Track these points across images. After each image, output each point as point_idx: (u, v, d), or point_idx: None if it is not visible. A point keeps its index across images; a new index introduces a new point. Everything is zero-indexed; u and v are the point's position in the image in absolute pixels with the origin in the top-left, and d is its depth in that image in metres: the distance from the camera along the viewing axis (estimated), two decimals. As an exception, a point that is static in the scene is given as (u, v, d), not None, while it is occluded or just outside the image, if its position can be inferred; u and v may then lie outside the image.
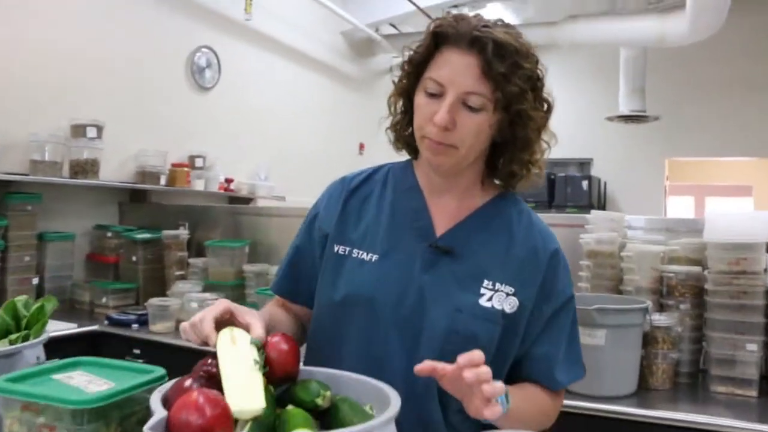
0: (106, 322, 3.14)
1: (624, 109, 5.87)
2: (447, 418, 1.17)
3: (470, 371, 0.94)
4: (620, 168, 7.31)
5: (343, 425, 0.95)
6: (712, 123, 6.89)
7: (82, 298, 3.46)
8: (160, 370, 1.08)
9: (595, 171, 7.33)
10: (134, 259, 3.54)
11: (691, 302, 2.39)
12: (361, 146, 6.38)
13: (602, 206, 6.98)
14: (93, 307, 3.40)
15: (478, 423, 1.22)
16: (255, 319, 1.03)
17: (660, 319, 2.31)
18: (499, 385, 0.96)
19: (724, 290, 2.27)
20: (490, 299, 1.16)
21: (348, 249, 1.22)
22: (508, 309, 1.16)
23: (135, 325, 3.09)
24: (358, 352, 1.19)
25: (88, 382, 1.03)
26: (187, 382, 0.91)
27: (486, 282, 1.17)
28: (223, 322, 1.02)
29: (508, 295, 1.17)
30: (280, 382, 1.02)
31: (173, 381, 0.95)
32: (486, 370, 0.96)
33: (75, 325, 3.03)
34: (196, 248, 3.65)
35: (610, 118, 5.99)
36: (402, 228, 1.22)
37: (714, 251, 2.31)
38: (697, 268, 2.41)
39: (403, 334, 1.16)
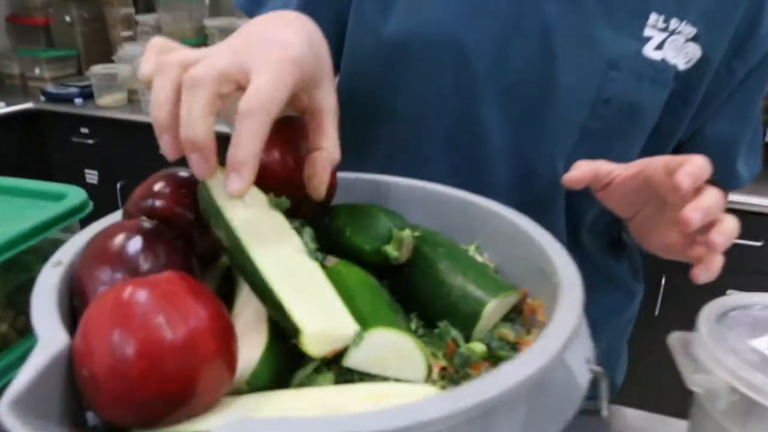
0: (42, 98, 2.58)
1: None
2: (574, 234, 0.74)
3: (696, 209, 0.47)
4: None
5: (443, 299, 0.49)
6: None
7: (9, 70, 2.84)
8: (76, 194, 0.59)
9: None
10: (68, 19, 2.86)
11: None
12: None
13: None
14: (24, 80, 2.80)
15: (610, 240, 0.80)
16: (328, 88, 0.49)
17: None
18: (732, 224, 0.49)
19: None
20: (660, 47, 0.65)
21: None
22: (682, 63, 0.67)
23: (78, 100, 2.53)
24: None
25: (-65, 227, 0.53)
26: (116, 241, 0.41)
27: (653, 17, 0.65)
28: None
29: (687, 40, 0.66)
30: (307, 212, 0.53)
31: (94, 229, 0.46)
32: (715, 198, 0.49)
33: (2, 104, 2.47)
34: (144, 3, 2.97)
35: None
36: None
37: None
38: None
39: (512, 106, 0.67)
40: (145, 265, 0.40)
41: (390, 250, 0.50)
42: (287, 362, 0.41)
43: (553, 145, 0.66)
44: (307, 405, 0.36)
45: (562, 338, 0.35)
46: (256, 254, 0.40)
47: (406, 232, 0.50)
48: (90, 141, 2.48)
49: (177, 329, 0.33)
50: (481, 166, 0.68)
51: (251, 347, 0.40)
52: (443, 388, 0.42)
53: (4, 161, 2.39)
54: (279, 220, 0.46)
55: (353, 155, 0.72)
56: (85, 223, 0.56)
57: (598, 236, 0.76)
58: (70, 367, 0.34)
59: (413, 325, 0.49)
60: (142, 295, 0.34)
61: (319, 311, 0.40)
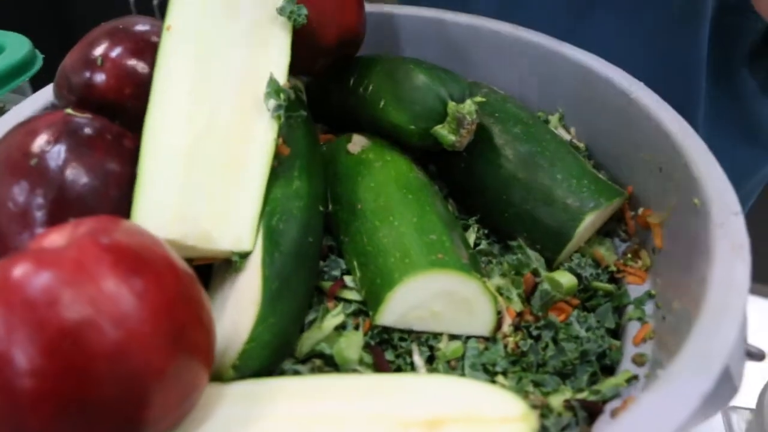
0: None
1: None
2: (719, 69, 0.59)
3: None
4: None
5: (517, 205, 0.35)
6: None
7: None
8: (19, 44, 0.44)
9: None
10: None
11: None
12: None
13: None
14: None
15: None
16: None
17: None
18: None
19: None
20: None
21: None
22: None
23: None
24: None
25: None
26: (33, 148, 0.27)
27: None
28: None
29: None
30: (323, 66, 0.38)
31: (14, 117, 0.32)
32: None
33: None
34: None
35: None
36: None
37: None
38: None
39: None
40: (75, 186, 0.27)
41: (444, 133, 0.34)
42: (292, 327, 0.29)
43: None
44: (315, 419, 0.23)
45: (727, 343, 0.21)
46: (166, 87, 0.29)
47: (468, 106, 0.34)
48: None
49: (93, 337, 0.20)
50: None
51: (242, 313, 0.27)
52: (514, 351, 0.30)
53: None
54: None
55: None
56: (39, 84, 0.42)
57: (754, 72, 0.57)
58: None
59: (472, 237, 0.35)
60: (37, 280, 0.20)
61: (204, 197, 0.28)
